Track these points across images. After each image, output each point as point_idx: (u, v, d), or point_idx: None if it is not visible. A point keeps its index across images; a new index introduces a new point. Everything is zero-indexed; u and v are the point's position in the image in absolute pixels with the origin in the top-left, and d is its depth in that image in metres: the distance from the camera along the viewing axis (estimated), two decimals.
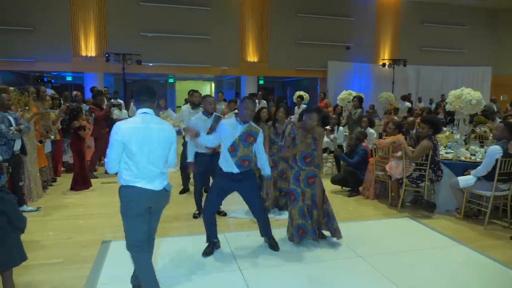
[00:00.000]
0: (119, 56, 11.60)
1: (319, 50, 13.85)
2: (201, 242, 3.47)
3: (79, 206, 4.82)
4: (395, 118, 8.14)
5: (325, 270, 3.15)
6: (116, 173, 2.48)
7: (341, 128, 6.82)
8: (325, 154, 6.90)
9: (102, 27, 11.93)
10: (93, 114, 5.95)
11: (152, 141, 2.40)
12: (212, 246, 3.41)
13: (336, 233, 3.64)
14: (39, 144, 5.13)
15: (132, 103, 8.39)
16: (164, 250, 3.48)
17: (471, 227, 4.22)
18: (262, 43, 13.47)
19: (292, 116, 8.44)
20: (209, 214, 3.40)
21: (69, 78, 13.96)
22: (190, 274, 3.04)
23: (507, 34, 15.85)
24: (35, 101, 5.29)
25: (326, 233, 3.74)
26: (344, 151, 6.20)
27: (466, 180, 4.30)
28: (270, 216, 4.41)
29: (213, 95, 12.97)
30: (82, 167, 5.57)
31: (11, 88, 4.65)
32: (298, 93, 10.41)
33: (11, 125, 4.02)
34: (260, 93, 10.50)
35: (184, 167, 5.38)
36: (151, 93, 2.48)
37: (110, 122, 6.44)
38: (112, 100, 8.01)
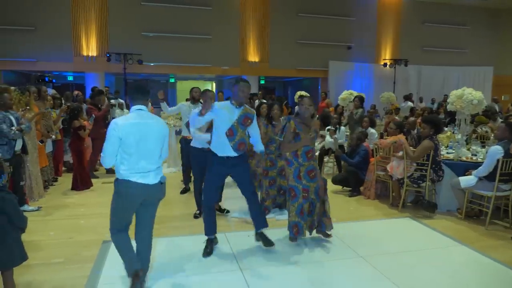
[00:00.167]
0: (120, 56, 11.61)
1: (320, 50, 13.83)
2: (202, 242, 3.46)
3: (80, 206, 4.83)
4: (396, 118, 8.13)
5: (326, 270, 3.15)
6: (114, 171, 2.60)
7: (342, 128, 6.82)
8: (326, 158, 6.90)
9: (103, 27, 11.94)
10: (93, 115, 5.94)
11: (148, 136, 2.52)
12: (211, 244, 3.39)
13: (328, 222, 3.64)
14: (40, 143, 5.14)
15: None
16: (165, 250, 3.49)
17: (472, 228, 4.21)
18: (263, 43, 13.46)
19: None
20: (211, 205, 3.39)
21: (70, 78, 13.99)
22: (190, 274, 3.04)
23: (508, 34, 15.81)
24: (36, 101, 5.30)
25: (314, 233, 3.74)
26: (345, 151, 6.19)
27: (467, 180, 4.29)
28: (271, 216, 4.43)
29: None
30: (82, 167, 5.57)
31: (12, 88, 4.66)
32: (299, 93, 10.41)
33: (12, 125, 4.03)
34: (260, 92, 10.49)
35: (185, 167, 5.39)
36: (144, 91, 2.62)
37: (108, 122, 6.44)
38: (113, 101, 8.00)
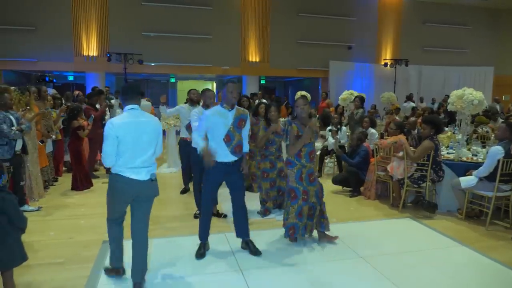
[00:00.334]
0: (121, 56, 11.61)
1: (321, 50, 13.82)
2: (197, 244, 3.42)
3: (80, 206, 4.83)
4: (397, 118, 8.12)
5: (325, 270, 3.15)
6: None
7: (344, 128, 6.82)
8: (327, 158, 6.90)
9: (103, 27, 11.94)
10: (92, 115, 5.92)
11: (141, 134, 2.63)
12: (204, 247, 3.38)
13: (326, 222, 3.66)
14: (41, 144, 5.14)
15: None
16: (165, 250, 3.49)
17: (472, 228, 4.21)
18: (263, 42, 13.45)
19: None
20: (210, 209, 3.39)
21: (71, 78, 13.99)
22: (190, 274, 3.04)
23: (509, 34, 15.78)
24: (37, 101, 5.30)
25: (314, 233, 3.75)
26: (346, 151, 6.18)
27: (467, 181, 4.28)
28: (271, 216, 4.43)
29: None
30: (81, 167, 5.57)
31: (12, 88, 4.66)
32: (299, 93, 10.40)
33: (12, 125, 4.03)
34: (260, 92, 10.49)
35: (185, 167, 5.38)
36: (136, 91, 2.74)
37: (105, 123, 6.43)
38: (113, 101, 8.00)
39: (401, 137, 4.91)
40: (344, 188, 5.68)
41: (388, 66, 14.20)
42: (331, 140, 6.46)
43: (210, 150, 3.12)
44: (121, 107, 8.09)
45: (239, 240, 3.62)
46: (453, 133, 5.82)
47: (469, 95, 4.74)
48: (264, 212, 4.45)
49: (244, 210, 3.41)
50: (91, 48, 11.89)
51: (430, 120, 4.63)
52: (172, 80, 15.64)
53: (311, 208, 3.59)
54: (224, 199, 4.68)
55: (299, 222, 3.54)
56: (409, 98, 12.14)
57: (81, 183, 5.52)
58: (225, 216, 4.39)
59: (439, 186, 4.74)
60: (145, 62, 11.94)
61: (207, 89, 4.22)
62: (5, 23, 11.01)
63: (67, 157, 6.53)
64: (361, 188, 5.48)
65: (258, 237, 3.60)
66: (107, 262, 3.06)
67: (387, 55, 14.72)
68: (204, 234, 3.38)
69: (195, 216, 4.36)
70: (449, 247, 3.68)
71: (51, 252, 3.42)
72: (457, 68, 15.07)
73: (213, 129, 3.17)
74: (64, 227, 4.07)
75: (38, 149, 4.96)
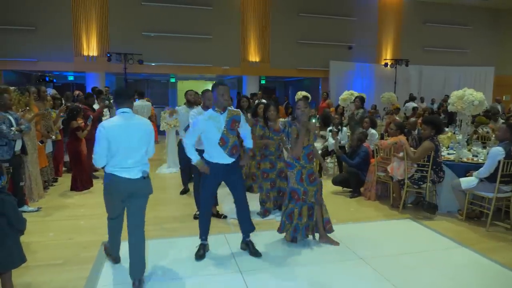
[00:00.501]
0: (121, 56, 11.59)
1: (321, 50, 13.80)
2: (195, 245, 3.41)
3: (80, 206, 4.83)
4: (397, 118, 8.11)
5: (325, 272, 3.14)
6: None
7: (344, 128, 6.81)
8: (328, 158, 6.89)
9: (104, 27, 11.93)
10: (90, 116, 5.90)
11: (132, 136, 2.74)
12: (204, 248, 3.37)
13: (327, 224, 3.66)
14: (40, 144, 5.13)
15: (133, 102, 8.38)
16: (164, 251, 3.48)
17: (473, 229, 4.20)
18: (263, 42, 13.44)
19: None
20: (209, 209, 3.37)
21: (71, 78, 13.97)
22: (190, 276, 3.04)
23: (510, 35, 15.75)
24: (36, 101, 5.29)
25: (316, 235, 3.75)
26: (346, 152, 6.17)
27: (468, 182, 4.27)
28: (271, 217, 4.42)
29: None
30: (81, 167, 5.56)
31: (12, 88, 4.65)
32: (300, 93, 10.39)
33: (12, 126, 4.02)
34: (260, 92, 10.47)
35: (184, 168, 5.37)
36: (128, 95, 2.89)
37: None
38: (113, 101, 7.99)
39: (401, 138, 4.90)
40: (344, 188, 5.67)
41: (388, 66, 14.18)
42: (331, 140, 6.45)
43: (203, 162, 3.17)
44: None
45: (239, 241, 3.61)
46: (454, 133, 5.80)
47: (469, 96, 4.72)
48: (264, 213, 4.44)
49: (246, 207, 3.39)
50: (91, 48, 11.88)
51: (431, 121, 4.62)
52: (172, 80, 15.62)
53: (310, 208, 3.59)
54: (224, 200, 4.69)
55: (299, 222, 3.55)
56: (412, 98, 12.16)
57: (81, 183, 5.51)
58: (225, 217, 4.38)
59: (439, 187, 4.73)
60: (145, 62, 11.93)
61: (207, 90, 4.18)
62: (5, 23, 11.00)
63: (67, 158, 6.52)
64: (361, 189, 5.47)
65: (257, 238, 3.59)
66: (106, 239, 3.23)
67: (387, 55, 14.70)
68: (204, 233, 3.37)
69: (195, 217, 4.35)
70: (449, 248, 3.67)
71: (50, 253, 3.42)
72: (458, 68, 15.05)
73: (207, 134, 3.17)
74: (64, 228, 4.07)
75: (37, 150, 4.96)
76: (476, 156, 4.82)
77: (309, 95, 10.17)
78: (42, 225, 4.13)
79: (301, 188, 3.51)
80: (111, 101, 8.04)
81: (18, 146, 4.14)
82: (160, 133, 10.27)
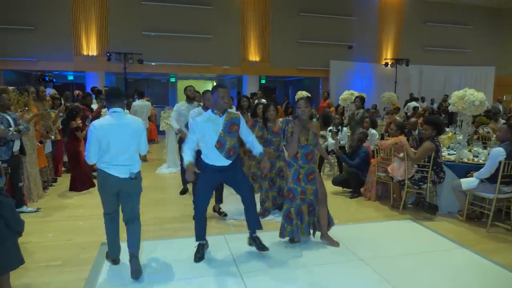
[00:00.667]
0: (121, 56, 11.58)
1: (321, 49, 13.78)
2: (194, 246, 3.38)
3: (79, 207, 4.81)
4: (397, 118, 8.09)
5: (325, 273, 3.12)
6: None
7: (345, 128, 6.79)
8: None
9: (103, 27, 11.91)
10: (89, 116, 5.88)
11: (122, 135, 2.87)
12: (202, 249, 3.35)
13: (331, 223, 3.69)
14: (40, 144, 5.12)
15: (133, 102, 8.38)
16: (164, 252, 3.46)
17: (473, 230, 4.18)
18: (264, 42, 13.42)
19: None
20: (202, 211, 3.32)
21: (70, 77, 13.96)
22: (189, 277, 3.02)
23: (511, 34, 15.73)
24: (35, 101, 5.28)
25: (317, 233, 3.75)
26: (346, 152, 6.16)
27: (468, 182, 4.26)
28: (270, 217, 4.41)
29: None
30: (80, 167, 5.54)
31: (11, 88, 4.64)
32: (300, 92, 10.36)
33: (10, 126, 4.01)
34: (259, 92, 10.45)
35: (184, 168, 5.35)
36: (119, 95, 2.98)
37: None
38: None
39: (402, 138, 4.88)
40: (344, 189, 5.65)
41: (388, 65, 14.16)
42: (331, 140, 6.43)
43: (193, 166, 3.13)
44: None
45: (239, 242, 3.60)
46: (454, 133, 5.78)
47: (470, 96, 4.70)
48: (263, 213, 4.43)
49: (254, 207, 3.35)
50: (91, 47, 11.87)
51: (432, 121, 4.59)
52: (172, 79, 15.61)
53: (310, 205, 3.59)
54: (226, 200, 4.67)
55: (298, 222, 3.54)
56: (415, 99, 12.17)
57: (80, 184, 5.49)
58: (225, 215, 4.37)
59: (440, 187, 4.72)
60: (145, 62, 11.92)
61: (208, 91, 4.18)
62: (5, 22, 10.99)
63: (66, 158, 6.51)
64: (362, 189, 5.46)
65: None
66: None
67: (387, 55, 14.68)
68: (200, 234, 3.34)
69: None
70: (450, 249, 3.65)
71: (49, 254, 3.40)
72: (458, 68, 15.03)
73: (204, 136, 3.15)
74: (63, 228, 4.05)
75: (36, 150, 4.94)
76: (477, 157, 4.81)
77: (308, 95, 10.15)
78: (41, 225, 4.11)
79: (298, 187, 3.49)
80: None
81: (16, 147, 4.12)
82: (160, 133, 10.27)
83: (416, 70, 14.70)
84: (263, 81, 14.92)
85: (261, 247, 3.33)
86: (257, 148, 3.36)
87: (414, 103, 11.32)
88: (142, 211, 4.38)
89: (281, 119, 4.59)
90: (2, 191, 2.51)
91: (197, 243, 3.35)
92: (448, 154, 5.04)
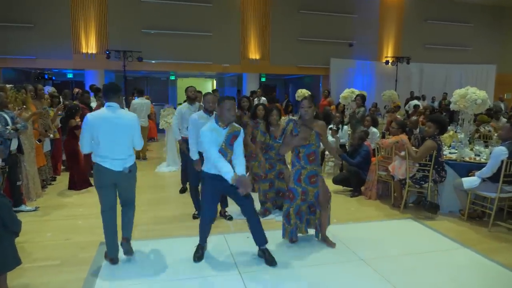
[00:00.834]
0: (120, 53, 11.53)
1: (322, 47, 13.73)
2: (194, 245, 3.36)
3: (78, 206, 4.78)
4: (398, 116, 8.05)
5: (325, 273, 3.10)
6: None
7: (345, 127, 6.74)
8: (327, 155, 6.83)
9: (102, 24, 11.85)
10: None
11: (115, 128, 2.95)
12: (202, 249, 3.32)
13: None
14: (38, 143, 5.09)
15: (132, 100, 8.34)
16: (163, 251, 3.44)
17: (475, 229, 4.15)
18: (264, 40, 13.36)
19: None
20: (209, 221, 3.28)
21: (70, 75, 13.91)
22: (188, 277, 3.00)
23: None
24: (33, 99, 5.24)
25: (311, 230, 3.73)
26: (347, 150, 6.12)
27: (470, 182, 4.22)
28: (271, 217, 4.38)
29: (214, 92, 12.82)
30: (79, 166, 5.51)
31: (8, 86, 4.60)
32: (300, 91, 10.31)
33: (7, 124, 3.97)
34: (259, 90, 10.41)
35: (184, 167, 5.32)
36: (116, 91, 3.07)
37: None
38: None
39: (403, 137, 4.85)
40: (345, 188, 5.63)
41: (389, 63, 14.11)
42: (330, 138, 6.39)
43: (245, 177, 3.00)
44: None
45: (239, 242, 3.59)
46: (455, 132, 5.74)
47: (472, 94, 4.66)
48: (264, 212, 4.40)
49: (255, 218, 3.25)
50: (90, 45, 11.81)
51: (437, 120, 4.55)
52: (172, 77, 15.56)
53: (311, 206, 3.56)
54: (232, 202, 4.62)
55: (298, 221, 3.52)
56: (417, 97, 12.14)
57: (79, 182, 5.46)
58: (231, 218, 4.31)
59: (441, 186, 4.69)
60: (145, 60, 11.86)
61: (208, 93, 4.14)
62: (4, 20, 10.94)
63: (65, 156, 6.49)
64: (362, 188, 5.43)
65: None
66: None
67: (388, 53, 14.63)
68: (204, 237, 3.33)
69: (194, 217, 4.31)
70: (451, 249, 3.62)
71: (47, 254, 3.37)
72: (459, 66, 14.98)
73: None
74: (61, 227, 4.02)
75: (35, 149, 4.91)
76: (479, 156, 4.77)
77: (309, 93, 10.10)
78: (40, 225, 4.09)
79: (299, 188, 3.45)
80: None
81: (14, 145, 4.09)
82: (159, 131, 10.24)
83: (416, 68, 14.65)
84: (263, 79, 14.87)
85: (270, 260, 3.19)
86: (240, 168, 3.09)
87: (415, 101, 11.28)
88: (141, 210, 4.37)
89: (283, 118, 4.56)
90: (0, 190, 2.48)
91: (198, 243, 3.33)
92: (450, 153, 5.00)
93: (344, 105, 9.10)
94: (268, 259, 3.21)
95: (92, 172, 6.14)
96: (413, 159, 4.53)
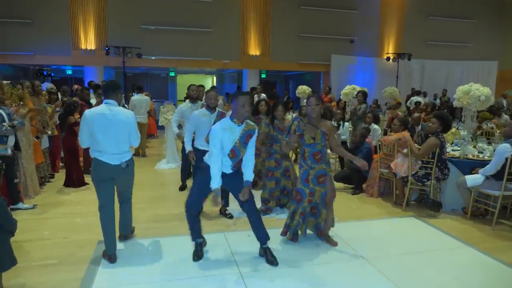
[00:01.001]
0: (119, 49, 11.45)
1: (323, 43, 13.64)
2: (192, 245, 3.32)
3: (77, 203, 4.73)
4: (399, 113, 7.98)
5: (327, 272, 3.05)
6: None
7: (346, 123, 6.68)
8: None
9: (101, 20, 11.76)
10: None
11: (112, 124, 3.02)
12: (200, 247, 3.26)
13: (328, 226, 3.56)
14: (36, 140, 5.03)
15: (132, 96, 8.28)
16: (163, 250, 3.40)
17: (478, 227, 4.11)
18: (264, 36, 13.27)
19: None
20: (195, 212, 3.21)
21: (69, 72, 13.84)
22: (188, 276, 2.96)
23: None
24: (31, 96, 5.17)
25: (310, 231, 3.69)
26: (348, 147, 6.07)
27: (474, 179, 4.17)
28: (272, 215, 4.33)
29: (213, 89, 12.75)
30: (77, 163, 5.45)
31: (5, 82, 4.54)
32: (301, 87, 10.24)
33: (4, 121, 3.91)
34: (259, 86, 10.33)
35: (185, 168, 5.28)
36: (114, 88, 3.16)
37: None
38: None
39: (405, 134, 4.79)
40: (346, 185, 5.58)
41: (390, 60, 14.03)
42: None
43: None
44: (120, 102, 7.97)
45: (238, 241, 3.54)
46: (457, 129, 5.68)
47: (476, 91, 4.60)
48: (265, 210, 4.35)
49: (257, 215, 3.20)
50: (89, 41, 11.73)
51: (441, 117, 4.48)
52: (172, 74, 15.48)
53: (314, 207, 3.51)
54: (232, 199, 4.57)
55: (300, 220, 3.48)
56: (417, 93, 12.07)
57: (77, 180, 5.41)
58: (231, 217, 4.25)
59: (444, 184, 4.63)
60: (144, 56, 11.80)
61: (210, 90, 4.09)
62: (2, 16, 10.86)
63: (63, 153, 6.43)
64: (364, 186, 5.38)
65: None
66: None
67: (389, 49, 14.54)
68: (196, 233, 3.24)
69: (180, 188, 4.28)
70: (454, 248, 3.58)
71: (45, 253, 3.32)
72: (461, 62, 14.90)
73: (222, 144, 2.97)
74: (59, 226, 3.97)
75: (33, 146, 4.85)
76: (482, 153, 4.72)
77: (309, 89, 10.04)
78: (37, 223, 4.04)
79: (306, 189, 3.39)
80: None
81: (11, 142, 4.02)
82: (159, 128, 10.18)
83: (418, 64, 14.57)
84: (263, 76, 14.79)
85: (271, 260, 3.14)
86: (248, 171, 3.04)
87: (416, 98, 11.21)
88: (141, 207, 4.32)
89: (289, 116, 4.52)
90: None
91: (194, 242, 3.27)
92: (452, 150, 4.95)
93: (345, 102, 9.04)
94: (269, 258, 3.16)
95: (90, 169, 6.17)
96: (416, 156, 4.47)
